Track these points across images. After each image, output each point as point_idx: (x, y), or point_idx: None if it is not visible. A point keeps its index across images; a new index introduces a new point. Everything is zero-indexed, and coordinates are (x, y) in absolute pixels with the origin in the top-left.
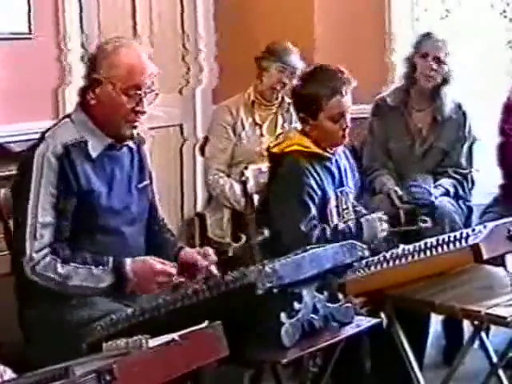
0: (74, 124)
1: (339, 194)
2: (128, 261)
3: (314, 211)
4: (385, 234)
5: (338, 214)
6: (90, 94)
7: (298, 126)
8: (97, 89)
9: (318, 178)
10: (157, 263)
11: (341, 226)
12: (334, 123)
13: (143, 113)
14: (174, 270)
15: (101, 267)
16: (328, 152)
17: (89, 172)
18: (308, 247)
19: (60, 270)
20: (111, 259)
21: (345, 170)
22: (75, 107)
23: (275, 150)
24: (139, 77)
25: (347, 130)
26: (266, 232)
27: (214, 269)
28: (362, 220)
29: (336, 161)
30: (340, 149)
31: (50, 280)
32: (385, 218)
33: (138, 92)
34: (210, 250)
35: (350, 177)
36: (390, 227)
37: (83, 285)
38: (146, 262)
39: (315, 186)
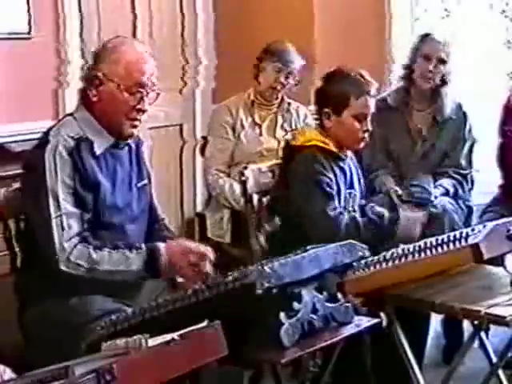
0: (77, 122)
1: (347, 195)
2: (161, 243)
3: (336, 201)
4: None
5: None
6: (92, 91)
7: (310, 122)
8: (99, 86)
9: (332, 174)
10: (190, 242)
11: (373, 216)
12: (357, 122)
13: (144, 111)
14: (208, 252)
15: (135, 251)
16: (342, 153)
17: (95, 168)
18: (337, 235)
19: (94, 255)
20: (143, 244)
21: (352, 174)
22: (77, 105)
23: (294, 143)
24: (139, 75)
25: (367, 135)
26: (277, 220)
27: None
28: (401, 216)
29: (348, 163)
30: (349, 153)
31: (81, 267)
32: (423, 219)
33: (140, 90)
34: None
35: (356, 180)
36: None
37: (114, 269)
38: (179, 241)
39: (333, 180)
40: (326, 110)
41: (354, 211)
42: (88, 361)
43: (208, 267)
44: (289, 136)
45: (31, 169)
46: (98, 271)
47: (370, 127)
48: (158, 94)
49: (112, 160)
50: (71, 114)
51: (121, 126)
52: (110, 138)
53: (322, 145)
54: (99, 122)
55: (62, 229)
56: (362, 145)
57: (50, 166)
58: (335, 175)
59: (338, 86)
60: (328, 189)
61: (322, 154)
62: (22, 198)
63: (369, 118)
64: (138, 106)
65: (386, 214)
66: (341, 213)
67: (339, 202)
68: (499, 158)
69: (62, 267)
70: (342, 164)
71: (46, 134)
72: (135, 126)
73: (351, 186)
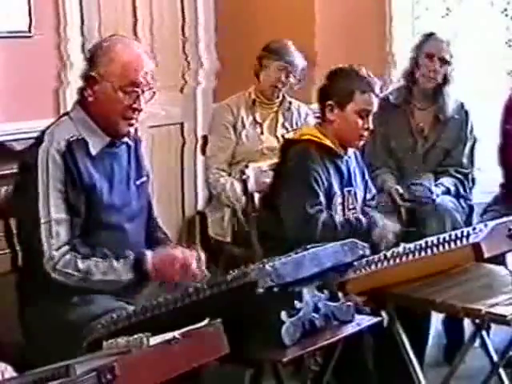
0: (73, 122)
1: (346, 193)
2: (149, 252)
3: (321, 197)
4: (390, 243)
5: (344, 213)
6: (87, 91)
7: (311, 121)
8: (95, 86)
9: (325, 170)
10: (174, 250)
11: (352, 217)
12: (360, 119)
13: (140, 110)
14: (193, 259)
15: (122, 260)
16: (340, 150)
17: (90, 168)
18: (313, 232)
19: (80, 265)
20: (132, 252)
21: (354, 173)
22: (73, 105)
23: (289, 136)
24: (134, 74)
25: (367, 133)
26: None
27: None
28: (377, 219)
29: (346, 161)
30: (351, 151)
31: (71, 276)
32: (397, 231)
33: (135, 89)
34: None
35: (360, 180)
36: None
37: (105, 279)
38: (165, 250)
39: (322, 175)
40: (330, 102)
41: (354, 209)
42: (89, 359)
43: (195, 268)
44: (290, 134)
45: (24, 168)
46: (90, 281)
47: (371, 125)
48: (154, 93)
49: (109, 159)
50: (67, 114)
51: (117, 125)
52: (105, 138)
53: (316, 139)
54: (95, 122)
55: (51, 236)
56: (361, 142)
57: (42, 168)
58: (327, 171)
59: (344, 80)
60: (314, 184)
61: (315, 149)
62: (13, 196)
63: (371, 117)
64: (134, 105)
65: (364, 219)
66: (321, 210)
67: (329, 198)
68: (500, 157)
69: (50, 274)
70: (337, 161)
71: (42, 133)
72: (131, 125)
73: (351, 185)
